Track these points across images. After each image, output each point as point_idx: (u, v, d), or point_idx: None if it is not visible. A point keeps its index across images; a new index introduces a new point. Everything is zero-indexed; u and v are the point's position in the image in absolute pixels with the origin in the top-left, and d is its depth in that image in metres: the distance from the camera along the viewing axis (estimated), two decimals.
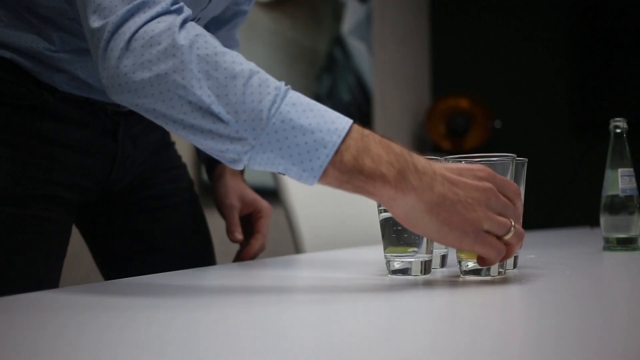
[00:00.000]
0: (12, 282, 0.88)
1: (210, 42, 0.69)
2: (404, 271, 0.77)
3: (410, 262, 0.77)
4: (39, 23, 0.88)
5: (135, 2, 0.69)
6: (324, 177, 0.66)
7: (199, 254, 1.14)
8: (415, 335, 0.47)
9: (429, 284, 0.72)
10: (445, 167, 0.68)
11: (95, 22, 0.70)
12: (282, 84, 0.68)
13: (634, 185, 1.09)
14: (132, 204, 1.08)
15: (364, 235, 1.61)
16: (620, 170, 1.08)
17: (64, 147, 0.93)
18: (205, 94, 0.66)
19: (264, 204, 1.16)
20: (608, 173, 1.10)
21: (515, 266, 0.82)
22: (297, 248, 1.52)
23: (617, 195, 1.08)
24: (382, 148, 0.66)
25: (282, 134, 0.65)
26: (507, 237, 0.67)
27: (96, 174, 0.99)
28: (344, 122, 0.66)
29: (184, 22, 0.70)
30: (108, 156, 0.99)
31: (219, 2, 0.99)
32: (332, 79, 3.08)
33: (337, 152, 0.65)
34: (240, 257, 1.12)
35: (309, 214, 1.54)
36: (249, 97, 0.66)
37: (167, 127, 0.70)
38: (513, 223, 0.68)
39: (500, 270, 0.75)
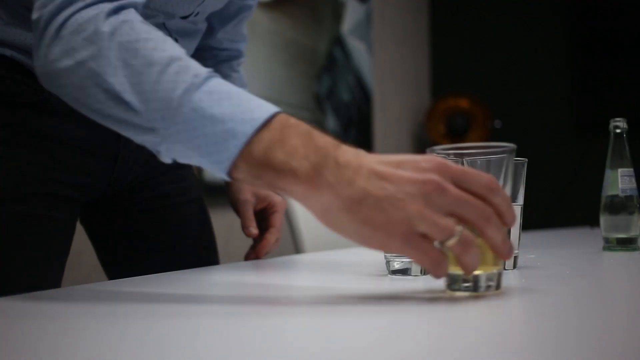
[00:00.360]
0: (13, 280, 0.88)
1: (135, 29, 0.66)
2: (404, 271, 0.77)
3: (410, 262, 0.77)
4: None
5: None
6: (236, 171, 0.60)
7: (202, 254, 1.14)
8: (415, 335, 0.47)
9: (428, 284, 0.72)
10: (380, 159, 0.58)
11: (35, 13, 0.70)
12: (206, 71, 0.63)
13: (634, 185, 1.09)
14: (135, 204, 1.08)
15: None
16: (620, 170, 1.08)
17: (65, 146, 0.93)
18: (118, 82, 0.64)
19: (277, 198, 1.16)
20: (608, 173, 1.10)
21: (515, 266, 0.82)
22: (297, 248, 1.52)
23: (617, 195, 1.08)
24: (302, 140, 0.59)
25: (192, 124, 0.60)
26: (448, 243, 0.55)
27: (98, 173, 0.98)
28: (264, 113, 0.60)
29: (119, 9, 0.67)
30: (110, 155, 0.99)
31: None
32: (332, 79, 3.08)
33: (248, 143, 0.59)
34: (255, 252, 1.12)
35: (309, 214, 1.54)
36: (163, 85, 0.62)
37: (92, 118, 0.68)
38: (460, 228, 0.55)
39: (482, 285, 0.61)
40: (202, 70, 0.63)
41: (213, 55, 1.22)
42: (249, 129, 0.59)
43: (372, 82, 3.35)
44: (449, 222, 0.55)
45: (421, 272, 0.76)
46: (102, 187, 1.01)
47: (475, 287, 0.60)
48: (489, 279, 0.61)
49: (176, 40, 0.99)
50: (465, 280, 0.60)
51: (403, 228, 0.55)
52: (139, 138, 0.65)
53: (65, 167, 0.93)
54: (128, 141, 1.00)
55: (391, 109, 3.57)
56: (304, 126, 0.60)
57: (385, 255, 0.78)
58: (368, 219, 0.56)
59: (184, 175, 1.15)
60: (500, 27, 3.73)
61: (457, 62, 3.84)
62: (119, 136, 0.98)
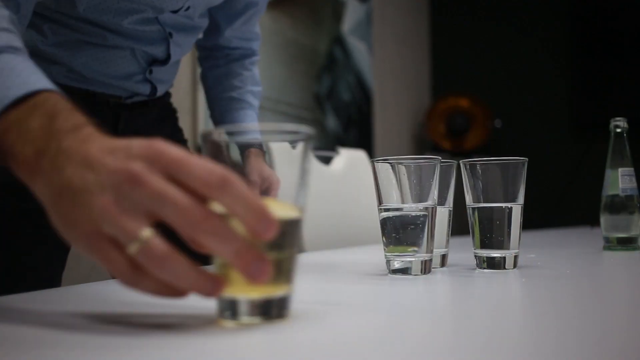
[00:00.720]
0: (15, 275, 0.89)
1: None
2: (404, 270, 0.77)
3: (411, 261, 0.77)
4: (34, 18, 0.89)
5: None
6: None
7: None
8: (415, 335, 0.47)
9: (428, 283, 0.72)
10: (100, 143, 0.48)
11: None
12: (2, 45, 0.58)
13: (634, 184, 1.09)
14: None
15: (364, 235, 1.61)
16: (620, 169, 1.08)
17: None
18: None
19: (274, 177, 1.18)
20: (608, 173, 1.10)
21: (515, 266, 0.82)
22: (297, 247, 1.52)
23: (617, 195, 1.08)
24: (40, 122, 0.51)
25: None
26: (128, 250, 0.44)
27: None
28: (19, 89, 0.53)
29: None
30: None
31: None
32: (332, 78, 3.08)
33: None
34: None
35: (309, 213, 1.54)
36: None
37: None
38: (145, 233, 0.44)
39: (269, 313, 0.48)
40: None
41: (225, 54, 1.22)
42: None
43: (372, 82, 3.35)
44: (135, 223, 0.44)
45: (421, 272, 0.76)
46: None
47: (234, 314, 0.46)
48: (255, 305, 0.46)
49: (170, 34, 0.99)
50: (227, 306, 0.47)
51: (87, 227, 0.46)
52: None
53: None
54: (126, 136, 1.01)
55: (391, 108, 3.57)
56: (57, 106, 0.52)
57: (385, 255, 0.78)
58: (65, 214, 0.47)
59: None
60: (501, 27, 3.73)
61: (457, 62, 3.84)
62: (116, 130, 0.99)
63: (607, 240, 1.09)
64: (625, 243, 1.07)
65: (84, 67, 0.92)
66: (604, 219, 1.09)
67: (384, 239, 0.78)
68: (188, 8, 0.97)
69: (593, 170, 1.92)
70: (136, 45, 0.96)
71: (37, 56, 0.90)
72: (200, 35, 1.19)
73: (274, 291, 0.47)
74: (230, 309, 0.46)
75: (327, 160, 1.87)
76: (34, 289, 0.69)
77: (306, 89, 2.91)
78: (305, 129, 0.48)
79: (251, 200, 0.44)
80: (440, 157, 0.79)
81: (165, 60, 1.02)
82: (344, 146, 2.70)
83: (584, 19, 3.49)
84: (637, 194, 1.08)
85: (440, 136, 3.64)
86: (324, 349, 0.42)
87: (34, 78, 0.54)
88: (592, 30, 3.47)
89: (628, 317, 0.54)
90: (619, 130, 1.10)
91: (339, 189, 1.69)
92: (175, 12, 0.96)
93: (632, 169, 1.09)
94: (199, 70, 2.32)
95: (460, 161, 0.85)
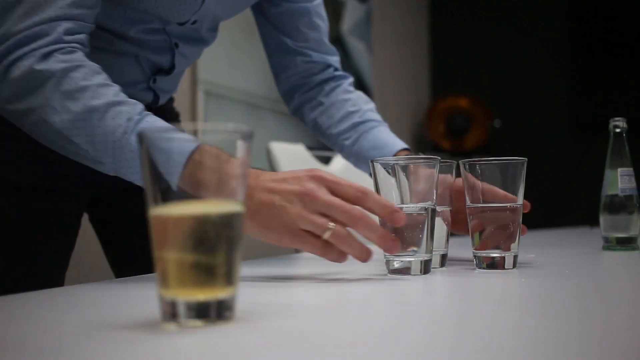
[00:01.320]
0: (18, 272, 0.89)
1: (74, 77, 0.76)
2: (404, 270, 0.77)
3: (410, 261, 0.77)
4: None
5: (26, 32, 0.76)
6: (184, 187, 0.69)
7: None
8: (413, 335, 0.47)
9: (428, 283, 0.72)
10: (270, 177, 0.74)
11: None
12: (137, 112, 0.76)
13: (634, 184, 1.09)
14: (143, 202, 1.08)
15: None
16: (619, 169, 1.08)
17: None
18: (65, 128, 0.76)
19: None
20: (607, 173, 1.10)
21: (514, 265, 0.82)
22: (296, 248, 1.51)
23: (616, 195, 1.08)
24: (214, 162, 0.63)
25: (134, 162, 0.75)
26: (324, 237, 0.71)
27: None
28: (192, 144, 0.67)
29: (59, 52, 0.77)
30: None
31: (222, 3, 0.99)
32: None
33: (183, 168, 0.66)
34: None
35: None
36: (103, 129, 0.75)
37: (51, 147, 0.80)
38: (331, 225, 0.70)
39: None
40: (134, 114, 0.76)
41: (320, 89, 1.19)
42: (180, 158, 0.63)
43: (371, 82, 3.35)
44: (323, 220, 0.71)
45: (420, 272, 0.77)
46: (108, 183, 1.01)
47: (174, 317, 0.47)
48: (193, 307, 0.47)
49: (176, 45, 0.99)
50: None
51: (289, 227, 0.72)
52: (95, 166, 0.79)
53: (68, 162, 0.94)
54: None
55: (391, 108, 3.57)
56: (216, 151, 0.65)
57: (384, 255, 0.78)
58: (265, 223, 0.73)
59: None
60: (500, 26, 3.73)
61: (457, 62, 3.84)
62: None
63: (606, 240, 1.09)
64: (625, 243, 1.07)
65: None
66: (603, 219, 1.09)
67: None
68: (195, 22, 0.98)
69: (592, 170, 1.92)
70: (142, 53, 0.96)
71: None
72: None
73: (214, 294, 0.47)
74: (170, 311, 0.47)
75: (326, 161, 1.87)
76: (38, 288, 0.69)
77: None
78: (244, 128, 0.49)
79: (382, 202, 0.72)
80: (439, 157, 0.79)
81: (169, 70, 1.02)
82: None
83: (584, 19, 3.49)
84: (637, 194, 1.09)
85: (440, 136, 3.64)
86: (323, 348, 0.42)
87: (187, 135, 0.67)
88: (592, 30, 3.47)
89: (628, 317, 0.54)
90: (618, 130, 1.10)
91: None
92: (181, 24, 0.97)
93: (632, 169, 1.09)
94: (200, 71, 2.32)
95: (460, 161, 0.85)
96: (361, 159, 1.14)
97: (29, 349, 0.43)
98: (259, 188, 0.73)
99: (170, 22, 0.95)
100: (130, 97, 1.00)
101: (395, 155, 1.13)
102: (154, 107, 1.06)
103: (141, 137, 0.48)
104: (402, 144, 1.14)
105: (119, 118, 0.75)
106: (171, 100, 1.14)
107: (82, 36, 0.80)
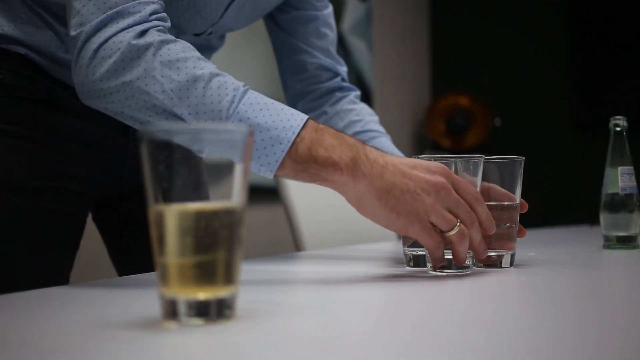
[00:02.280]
0: (22, 271, 0.90)
1: (173, 49, 0.73)
2: (421, 263, 0.79)
3: (426, 255, 0.76)
4: (53, 21, 0.90)
5: (109, 12, 0.73)
6: (281, 169, 0.71)
7: None
8: (413, 333, 0.47)
9: (424, 282, 0.72)
10: (399, 159, 0.71)
11: (72, 30, 0.74)
12: (241, 84, 0.73)
13: (634, 183, 1.09)
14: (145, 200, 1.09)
15: (364, 233, 1.61)
16: (620, 168, 1.08)
17: (77, 142, 0.95)
18: (167, 98, 0.72)
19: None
20: (608, 171, 1.10)
21: (512, 264, 0.82)
22: (297, 246, 1.52)
23: (617, 194, 1.08)
24: (335, 139, 0.70)
25: None
26: (450, 234, 0.69)
27: (109, 169, 1.00)
28: (298, 119, 0.71)
29: (152, 28, 0.74)
30: (120, 152, 1.00)
31: (238, 18, 1.00)
32: None
33: (292, 146, 0.70)
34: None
35: (308, 212, 1.54)
36: (209, 98, 0.71)
37: (137, 127, 0.74)
38: (459, 222, 0.69)
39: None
40: (239, 84, 0.73)
41: (326, 100, 1.19)
42: (291, 135, 0.70)
43: (372, 81, 3.35)
44: (452, 217, 0.69)
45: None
46: (113, 183, 1.02)
47: (175, 315, 0.47)
48: (193, 306, 0.47)
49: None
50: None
51: (420, 217, 0.69)
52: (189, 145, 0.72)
53: (76, 162, 0.95)
54: (136, 158, 1.01)
55: (391, 107, 3.57)
56: (330, 128, 0.72)
57: (404, 249, 0.80)
58: (394, 207, 0.69)
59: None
60: (501, 25, 3.73)
61: (457, 61, 3.84)
62: (127, 133, 0.99)
63: (606, 238, 1.09)
64: (625, 242, 1.07)
65: None
66: (603, 217, 1.09)
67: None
68: (210, 33, 0.99)
69: (593, 169, 1.92)
70: None
71: (54, 62, 0.91)
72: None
73: (214, 292, 0.48)
74: (171, 310, 0.47)
75: None
76: (43, 287, 0.69)
77: None
78: (244, 127, 0.49)
79: (486, 211, 0.72)
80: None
81: None
82: None
83: (584, 18, 3.49)
84: (637, 192, 1.08)
85: (440, 134, 3.64)
86: (323, 347, 0.42)
87: (290, 109, 0.73)
88: (592, 29, 3.46)
89: (628, 316, 0.54)
90: (618, 128, 1.10)
91: None
92: (197, 35, 0.98)
93: (632, 167, 1.09)
94: None
95: (455, 159, 0.85)
96: None
97: (30, 347, 0.43)
98: (391, 168, 0.70)
99: (186, 33, 0.96)
100: None
101: None
102: None
103: (141, 137, 0.48)
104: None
105: (225, 88, 0.72)
106: None
107: (165, 16, 0.78)
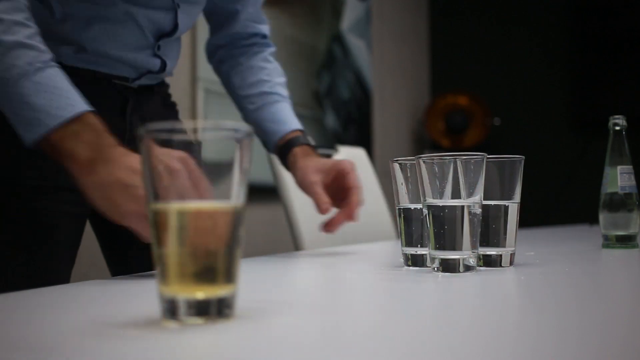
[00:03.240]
0: (22, 270, 0.89)
1: None
2: (420, 263, 0.79)
3: (426, 254, 0.77)
4: None
5: None
6: (40, 146, 0.78)
7: None
8: (413, 332, 0.47)
9: (423, 281, 0.72)
10: (138, 158, 0.75)
11: None
12: (41, 61, 0.78)
13: (633, 182, 1.09)
14: None
15: (364, 232, 1.61)
16: (619, 167, 1.08)
17: None
18: None
19: (343, 162, 1.13)
20: (607, 170, 1.10)
21: (511, 263, 0.82)
22: (297, 245, 1.52)
23: (616, 193, 1.08)
24: (92, 137, 0.77)
25: (14, 103, 0.77)
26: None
27: None
28: (70, 112, 0.77)
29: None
30: (116, 135, 1.00)
31: None
32: (332, 76, 3.07)
33: (48, 133, 0.76)
34: (326, 227, 1.08)
35: (308, 211, 1.54)
36: (2, 65, 0.77)
37: None
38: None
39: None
40: (38, 60, 0.78)
41: (244, 51, 1.23)
42: (52, 122, 0.77)
43: (371, 80, 3.35)
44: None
45: (436, 269, 0.77)
46: None
47: (174, 314, 0.47)
48: (193, 305, 0.47)
49: (178, 5, 1.01)
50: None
51: (134, 208, 0.74)
52: None
53: None
54: (134, 120, 1.02)
55: (390, 106, 3.57)
56: (98, 127, 0.79)
57: (402, 249, 0.80)
58: (113, 199, 0.76)
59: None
60: (500, 25, 3.73)
61: (457, 60, 3.84)
62: (124, 114, 0.99)
63: (605, 238, 1.09)
64: (624, 241, 1.07)
65: (93, 42, 0.93)
66: (602, 216, 1.09)
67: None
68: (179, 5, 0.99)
69: (592, 168, 1.92)
70: (146, 12, 0.97)
71: (47, 35, 0.90)
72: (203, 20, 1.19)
73: (214, 291, 0.47)
74: (171, 309, 0.47)
75: (327, 158, 1.87)
76: (44, 286, 0.69)
77: (305, 87, 2.91)
78: (243, 126, 0.48)
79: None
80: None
81: (172, 32, 1.03)
82: (343, 144, 2.70)
83: (584, 17, 3.49)
84: (636, 191, 1.09)
85: (440, 134, 3.64)
86: (322, 347, 0.42)
87: (77, 100, 0.78)
88: (591, 28, 3.46)
89: (627, 315, 0.54)
90: (617, 128, 1.10)
91: None
92: None
93: (631, 166, 1.09)
94: (200, 69, 2.32)
95: (457, 159, 0.85)
96: (258, 128, 1.19)
97: (30, 346, 0.43)
98: (123, 165, 0.76)
99: None
100: (137, 63, 1.02)
101: (287, 134, 1.17)
102: (155, 85, 1.07)
103: (141, 136, 0.48)
104: (297, 125, 1.19)
105: (20, 59, 0.77)
106: (167, 86, 1.14)
107: None
